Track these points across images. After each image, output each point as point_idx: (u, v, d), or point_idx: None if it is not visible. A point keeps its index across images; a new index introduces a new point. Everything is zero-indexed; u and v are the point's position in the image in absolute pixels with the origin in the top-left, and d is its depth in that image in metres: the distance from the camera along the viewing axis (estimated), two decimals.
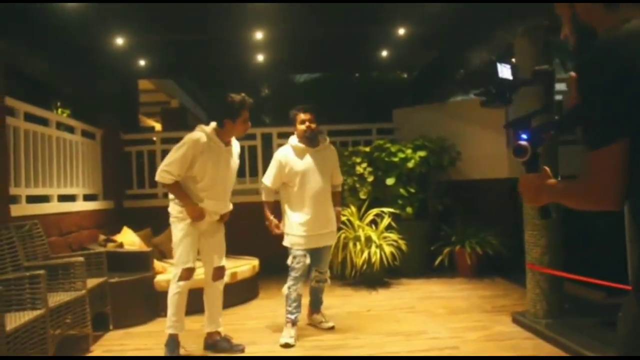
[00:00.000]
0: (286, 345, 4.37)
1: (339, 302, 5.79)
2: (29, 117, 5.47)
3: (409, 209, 6.89)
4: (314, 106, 4.70)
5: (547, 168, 1.62)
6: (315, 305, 4.97)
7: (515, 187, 1.79)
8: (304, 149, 4.62)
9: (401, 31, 6.38)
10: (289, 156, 4.61)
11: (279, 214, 4.77)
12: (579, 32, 1.60)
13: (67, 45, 6.07)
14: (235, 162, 4.40)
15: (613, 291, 3.90)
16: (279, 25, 6.16)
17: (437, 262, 6.91)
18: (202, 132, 4.16)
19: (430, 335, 4.52)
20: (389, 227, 6.62)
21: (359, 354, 4.12)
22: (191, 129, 4.33)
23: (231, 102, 4.17)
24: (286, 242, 4.66)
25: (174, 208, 4.23)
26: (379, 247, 6.31)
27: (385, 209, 6.67)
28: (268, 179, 4.68)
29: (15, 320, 3.35)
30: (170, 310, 4.16)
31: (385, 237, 6.51)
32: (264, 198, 4.75)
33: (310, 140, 4.62)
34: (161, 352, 4.24)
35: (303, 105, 4.69)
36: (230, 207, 4.44)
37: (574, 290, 5.05)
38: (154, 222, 7.24)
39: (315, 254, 4.68)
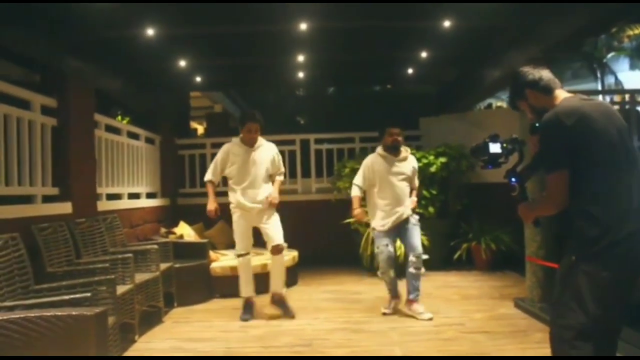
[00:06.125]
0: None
1: (369, 289, 6.62)
2: (107, 128, 6.54)
3: (431, 209, 7.69)
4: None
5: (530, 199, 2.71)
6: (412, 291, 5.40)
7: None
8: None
9: (424, 54, 7.26)
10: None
11: None
12: (537, 114, 2.64)
13: (137, 68, 7.13)
14: (262, 159, 5.50)
15: None
16: (317, 50, 7.11)
17: (455, 256, 7.73)
18: (231, 142, 5.58)
19: (442, 315, 5.37)
20: None
21: (381, 329, 4.98)
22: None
23: (240, 115, 5.67)
24: None
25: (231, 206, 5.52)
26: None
27: None
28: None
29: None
30: (240, 280, 5.56)
31: None
32: None
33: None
34: (218, 324, 5.29)
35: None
36: (265, 193, 5.44)
37: None
38: (204, 218, 8.22)
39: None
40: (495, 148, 2.78)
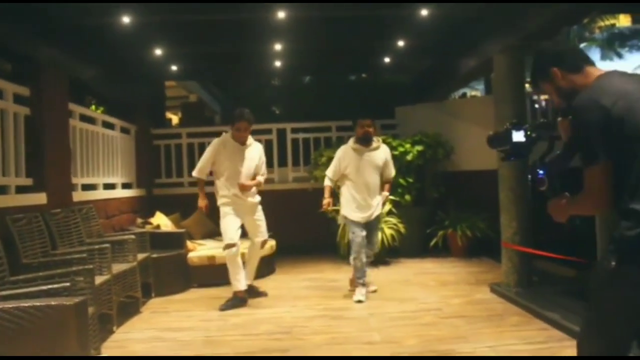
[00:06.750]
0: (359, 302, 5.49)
1: (346, 276, 6.51)
2: (82, 117, 6.44)
3: (407, 197, 7.76)
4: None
5: (567, 193, 2.22)
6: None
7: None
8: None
9: (400, 43, 7.28)
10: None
11: None
12: (565, 97, 2.23)
13: (112, 56, 7.00)
14: (252, 158, 5.63)
15: (581, 267, 4.81)
16: (293, 39, 7.10)
17: (432, 243, 7.82)
18: (222, 137, 5.64)
19: (420, 301, 5.44)
20: (389, 213, 7.49)
21: (359, 315, 5.04)
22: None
23: (233, 114, 5.60)
24: None
25: (218, 197, 5.58)
26: (381, 229, 7.16)
27: None
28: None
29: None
30: (230, 274, 5.48)
31: (386, 221, 7.40)
32: None
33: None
34: (197, 314, 5.28)
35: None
36: (254, 189, 5.66)
37: (545, 267, 5.95)
38: (180, 208, 8.21)
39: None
40: (518, 136, 2.43)
